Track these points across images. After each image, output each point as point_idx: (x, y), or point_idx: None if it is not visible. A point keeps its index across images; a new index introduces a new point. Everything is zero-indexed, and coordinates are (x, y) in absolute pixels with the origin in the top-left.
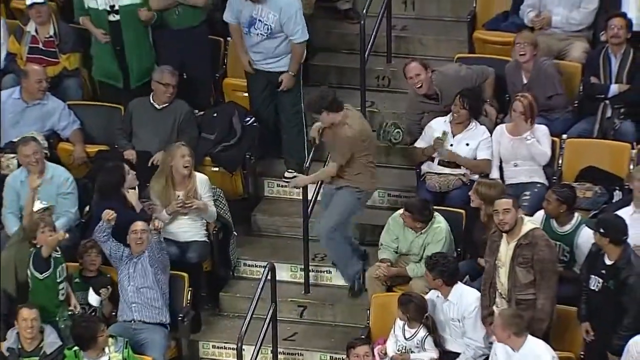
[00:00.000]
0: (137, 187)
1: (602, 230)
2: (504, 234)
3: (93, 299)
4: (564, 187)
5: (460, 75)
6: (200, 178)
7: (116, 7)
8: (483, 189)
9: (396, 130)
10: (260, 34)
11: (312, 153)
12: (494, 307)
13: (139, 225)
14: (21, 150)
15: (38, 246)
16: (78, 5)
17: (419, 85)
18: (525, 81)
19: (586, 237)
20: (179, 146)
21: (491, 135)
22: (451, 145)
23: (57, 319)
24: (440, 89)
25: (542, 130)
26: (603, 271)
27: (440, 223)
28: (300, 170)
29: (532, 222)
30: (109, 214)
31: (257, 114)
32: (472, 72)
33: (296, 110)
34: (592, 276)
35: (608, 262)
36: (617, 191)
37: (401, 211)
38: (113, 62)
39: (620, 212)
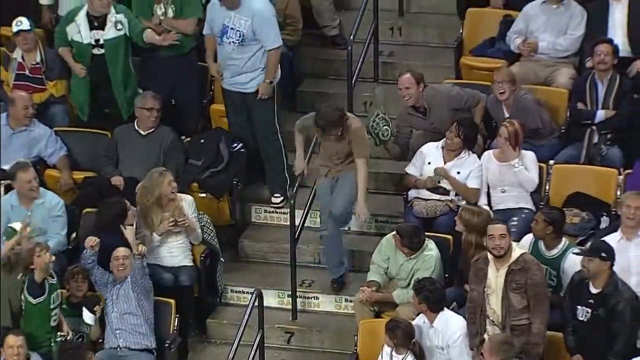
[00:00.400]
0: (135, 225)
1: (603, 255)
2: (490, 261)
3: (88, 317)
4: (552, 209)
5: (452, 94)
6: (186, 199)
7: (101, 41)
8: (467, 215)
9: (385, 127)
10: (232, 41)
11: (297, 181)
12: (485, 335)
13: (120, 251)
14: (20, 176)
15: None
16: (60, 36)
17: (407, 98)
18: (507, 115)
19: (572, 262)
20: (164, 174)
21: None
22: None
23: (52, 344)
24: (429, 104)
25: (529, 156)
26: (590, 300)
27: (431, 251)
28: (284, 193)
29: (519, 247)
30: (91, 241)
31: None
32: (464, 94)
33: (273, 132)
34: (579, 307)
35: (594, 290)
36: (604, 217)
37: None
38: (84, 94)
39: (607, 238)
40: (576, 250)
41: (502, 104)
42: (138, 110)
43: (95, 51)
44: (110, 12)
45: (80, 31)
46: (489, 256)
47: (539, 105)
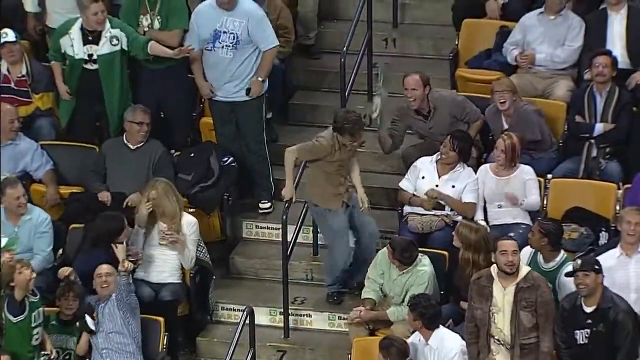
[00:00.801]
0: (125, 243)
1: (597, 267)
2: (495, 278)
3: (91, 323)
4: (549, 221)
5: (456, 100)
6: (188, 219)
7: (94, 56)
8: (464, 231)
9: (376, 103)
10: (226, 45)
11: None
12: (491, 355)
13: (103, 268)
14: (9, 192)
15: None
16: (54, 47)
17: (412, 99)
18: (505, 126)
19: (572, 267)
20: (154, 185)
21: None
22: (436, 185)
23: None
24: (434, 105)
25: (528, 172)
26: (588, 321)
27: (425, 266)
28: (271, 199)
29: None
30: (64, 272)
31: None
32: (468, 105)
33: (259, 141)
34: (577, 331)
35: (589, 309)
36: (603, 232)
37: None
38: (69, 105)
39: (606, 255)
40: (569, 270)
41: (502, 115)
42: (128, 124)
43: (88, 66)
44: (105, 27)
45: (73, 45)
46: (493, 273)
47: (539, 116)
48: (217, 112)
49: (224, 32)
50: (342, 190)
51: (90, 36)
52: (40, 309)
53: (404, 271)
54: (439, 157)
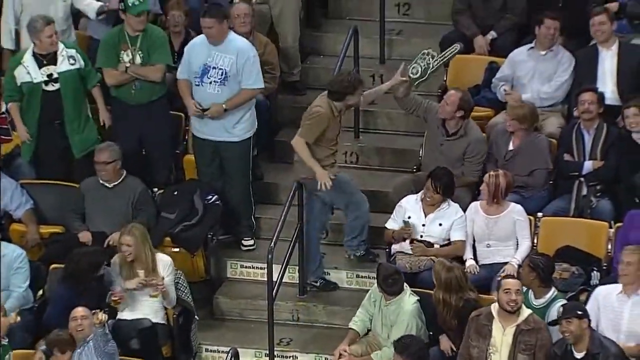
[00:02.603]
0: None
1: (579, 313)
2: (495, 317)
3: None
4: (538, 256)
5: (479, 139)
6: (163, 259)
7: (55, 76)
8: (437, 268)
9: (417, 65)
10: (214, 81)
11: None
12: None
13: (79, 311)
14: None
15: None
16: (8, 87)
17: (441, 109)
18: (511, 148)
19: (557, 314)
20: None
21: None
22: (423, 225)
23: None
24: (462, 132)
25: (518, 212)
26: None
27: (407, 305)
28: (253, 236)
29: None
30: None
31: None
32: (482, 156)
33: (245, 180)
34: None
35: (579, 355)
36: (595, 272)
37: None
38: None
39: (608, 287)
40: (553, 318)
41: (511, 136)
42: (95, 164)
43: (49, 87)
44: (59, 47)
45: (29, 72)
46: (493, 312)
47: (549, 151)
48: (200, 150)
49: (213, 67)
50: (334, 154)
51: (45, 59)
52: (12, 352)
53: (389, 302)
54: (423, 195)
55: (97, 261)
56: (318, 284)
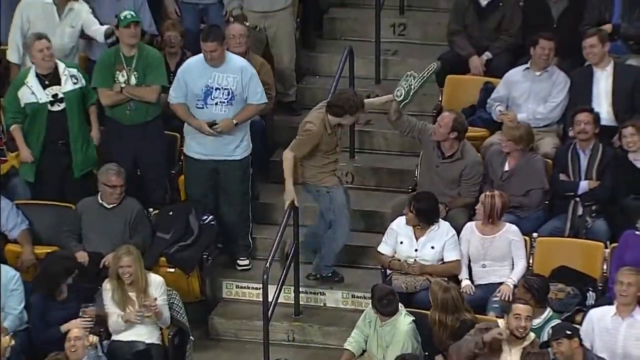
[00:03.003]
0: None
1: (568, 332)
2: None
3: None
4: (533, 276)
5: (476, 161)
6: (156, 280)
7: (60, 96)
8: (434, 288)
9: (401, 88)
10: (221, 101)
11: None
12: None
13: (74, 332)
14: None
15: None
16: (11, 109)
17: (435, 131)
18: (507, 168)
19: (547, 336)
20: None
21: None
22: (415, 250)
23: None
24: (459, 155)
25: (514, 233)
26: None
27: (402, 325)
28: (249, 256)
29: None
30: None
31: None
32: (479, 177)
33: (245, 200)
34: None
35: None
36: (590, 292)
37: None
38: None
39: (601, 310)
40: (544, 339)
41: (506, 158)
42: (101, 185)
43: (55, 107)
44: (61, 67)
45: (34, 92)
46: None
47: (546, 172)
48: (196, 172)
49: (217, 88)
50: (337, 166)
51: (47, 79)
52: None
53: (384, 323)
54: (411, 223)
55: (67, 266)
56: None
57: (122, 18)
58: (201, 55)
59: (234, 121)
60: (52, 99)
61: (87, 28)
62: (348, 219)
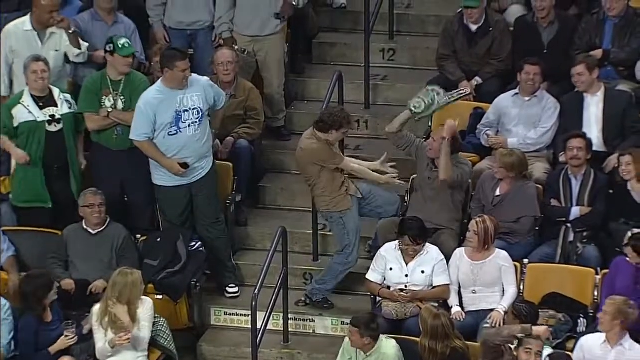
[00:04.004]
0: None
1: None
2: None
3: None
4: (522, 303)
5: (466, 171)
6: (145, 302)
7: (57, 116)
8: (424, 315)
9: (420, 100)
10: (193, 122)
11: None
12: None
13: (64, 358)
14: None
15: None
16: (4, 124)
17: (429, 147)
18: (499, 193)
19: None
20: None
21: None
22: (406, 275)
23: None
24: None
25: (503, 258)
26: None
27: (389, 349)
28: (237, 281)
29: None
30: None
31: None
32: (464, 180)
33: (217, 219)
34: None
35: None
36: (581, 319)
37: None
38: (40, 183)
39: (595, 336)
40: None
41: (499, 183)
42: (82, 209)
43: (52, 127)
44: (56, 92)
45: (31, 111)
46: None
47: (538, 200)
48: (174, 199)
49: (185, 110)
50: (346, 186)
51: (41, 101)
52: None
53: (369, 353)
54: (401, 245)
55: (43, 282)
56: (314, 300)
57: (121, 46)
58: (159, 84)
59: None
60: (49, 119)
61: (70, 55)
62: (358, 244)
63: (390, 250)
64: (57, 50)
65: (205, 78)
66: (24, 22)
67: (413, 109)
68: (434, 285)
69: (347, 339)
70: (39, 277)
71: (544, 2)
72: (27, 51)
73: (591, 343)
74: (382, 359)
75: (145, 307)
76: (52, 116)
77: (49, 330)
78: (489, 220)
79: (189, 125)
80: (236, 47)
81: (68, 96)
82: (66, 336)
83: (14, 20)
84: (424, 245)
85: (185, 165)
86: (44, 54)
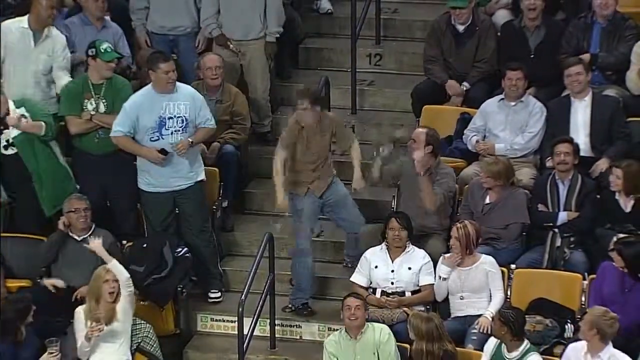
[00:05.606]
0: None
1: None
2: None
3: None
4: (508, 309)
5: (450, 175)
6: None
7: (11, 140)
8: (415, 321)
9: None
10: (176, 130)
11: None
12: None
13: None
14: None
15: None
16: None
17: (412, 153)
18: (488, 201)
19: None
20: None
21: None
22: (392, 271)
23: None
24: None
25: (490, 264)
26: None
27: (384, 330)
28: (221, 287)
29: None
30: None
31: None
32: (448, 188)
33: (204, 226)
34: None
35: None
36: (569, 324)
37: (333, 335)
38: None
39: (578, 345)
40: None
41: (487, 191)
42: (66, 216)
43: (9, 151)
44: (11, 108)
45: None
46: None
47: (526, 205)
48: (156, 205)
49: (170, 117)
50: (310, 179)
51: (1, 125)
52: None
53: (361, 333)
54: (387, 244)
55: (20, 308)
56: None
57: (103, 51)
58: (148, 87)
59: (190, 140)
60: (5, 143)
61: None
62: (309, 232)
63: (375, 252)
64: (49, 56)
65: (201, 96)
66: (22, 20)
67: (380, 152)
68: (420, 284)
69: (326, 343)
70: (18, 302)
71: (536, 1)
72: (19, 48)
73: (577, 351)
74: (379, 333)
75: (121, 301)
76: (7, 141)
77: (24, 347)
78: (469, 225)
79: (172, 133)
80: (231, 45)
81: (22, 110)
82: (50, 353)
83: None
84: (409, 242)
85: (163, 152)
86: (34, 55)
